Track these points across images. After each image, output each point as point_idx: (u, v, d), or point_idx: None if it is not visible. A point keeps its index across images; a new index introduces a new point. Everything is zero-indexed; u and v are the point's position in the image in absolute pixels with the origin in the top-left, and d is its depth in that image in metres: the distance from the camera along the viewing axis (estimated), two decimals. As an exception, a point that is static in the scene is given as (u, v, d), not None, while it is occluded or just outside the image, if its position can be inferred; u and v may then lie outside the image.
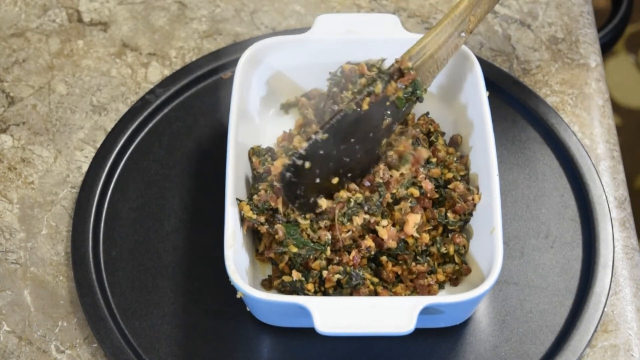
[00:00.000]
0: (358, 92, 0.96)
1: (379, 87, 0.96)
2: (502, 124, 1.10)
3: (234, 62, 1.07)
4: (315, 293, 0.96)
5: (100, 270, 1.01)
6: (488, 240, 0.94)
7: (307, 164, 0.95)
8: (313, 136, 0.95)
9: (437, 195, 0.99)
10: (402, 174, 0.98)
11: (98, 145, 1.09)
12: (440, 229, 1.00)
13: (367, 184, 0.98)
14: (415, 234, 0.97)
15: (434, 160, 1.01)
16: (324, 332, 0.87)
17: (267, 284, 0.99)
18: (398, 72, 0.97)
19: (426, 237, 0.97)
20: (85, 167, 1.08)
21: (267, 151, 1.02)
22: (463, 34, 1.00)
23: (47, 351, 0.98)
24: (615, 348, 0.98)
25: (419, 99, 0.99)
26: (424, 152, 1.00)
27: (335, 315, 0.88)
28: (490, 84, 1.10)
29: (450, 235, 0.99)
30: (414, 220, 0.97)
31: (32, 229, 1.05)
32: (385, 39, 1.03)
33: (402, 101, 0.98)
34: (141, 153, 1.08)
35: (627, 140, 1.86)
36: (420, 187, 0.98)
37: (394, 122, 0.99)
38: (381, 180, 0.97)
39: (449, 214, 0.99)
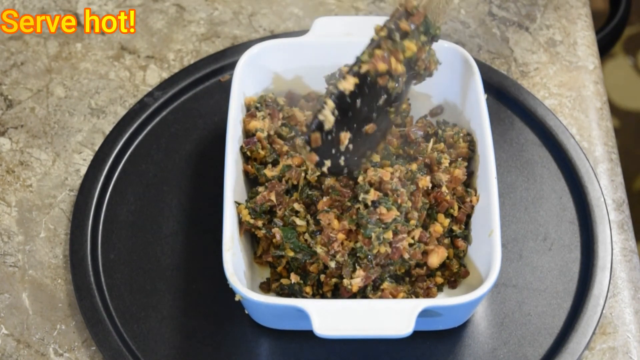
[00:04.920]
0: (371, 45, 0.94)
1: (396, 36, 0.93)
2: (500, 126, 1.10)
3: (232, 65, 1.07)
4: (314, 296, 0.96)
5: (99, 273, 1.01)
6: (486, 243, 0.94)
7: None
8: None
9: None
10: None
11: (96, 148, 1.09)
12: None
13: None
14: (436, 265, 0.97)
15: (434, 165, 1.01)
16: (323, 335, 0.87)
17: (265, 287, 0.99)
18: (405, 14, 0.94)
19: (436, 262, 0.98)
20: (83, 170, 1.08)
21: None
22: None
23: (45, 354, 0.98)
24: (614, 350, 0.98)
25: (435, 38, 0.96)
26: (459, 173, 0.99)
27: (333, 318, 0.88)
28: (488, 87, 1.10)
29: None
30: (441, 256, 0.97)
31: (31, 232, 1.05)
32: (383, 42, 1.03)
33: (418, 41, 0.94)
34: (139, 156, 1.08)
35: (625, 142, 1.86)
36: (452, 216, 0.98)
37: (412, 77, 0.96)
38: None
39: (454, 227, 0.98)
